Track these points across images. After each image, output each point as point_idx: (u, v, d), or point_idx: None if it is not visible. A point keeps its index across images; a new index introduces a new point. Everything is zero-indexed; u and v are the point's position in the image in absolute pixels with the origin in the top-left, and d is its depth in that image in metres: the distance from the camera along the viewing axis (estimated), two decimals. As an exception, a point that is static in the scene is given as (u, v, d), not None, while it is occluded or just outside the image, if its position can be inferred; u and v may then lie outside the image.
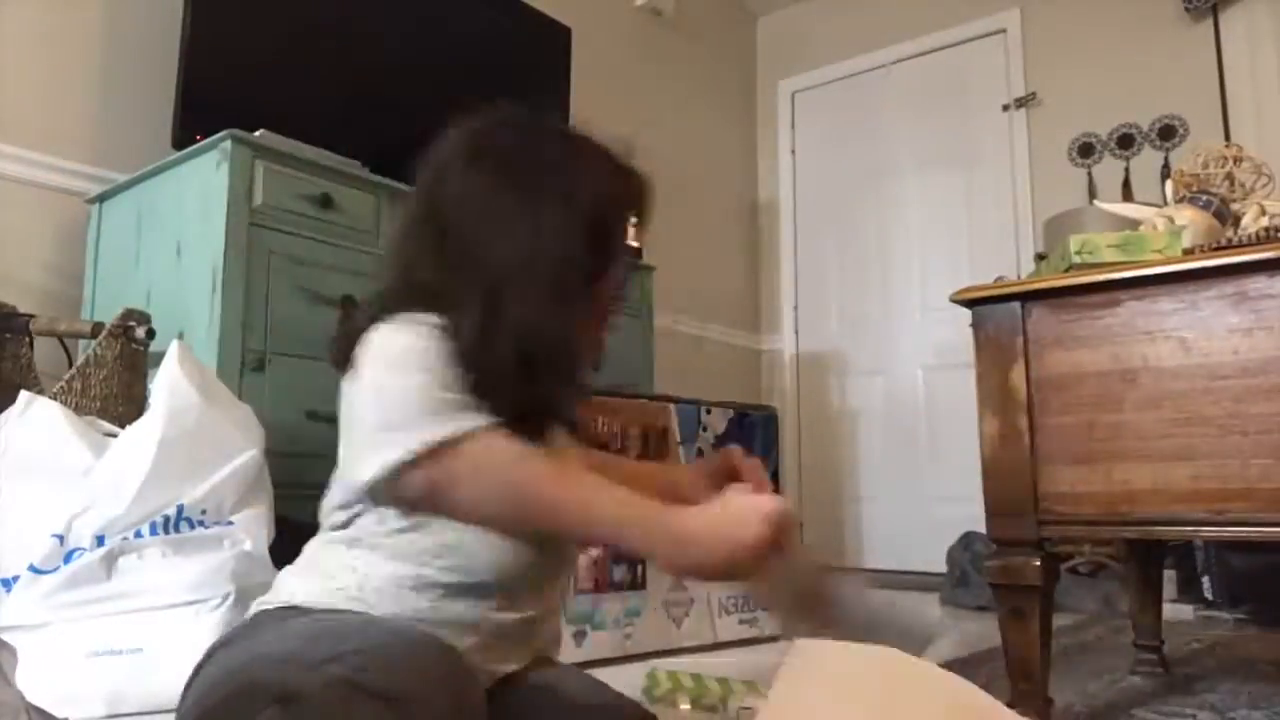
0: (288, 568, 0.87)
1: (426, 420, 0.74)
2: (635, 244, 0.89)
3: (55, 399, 1.57)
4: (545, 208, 0.83)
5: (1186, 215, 1.51)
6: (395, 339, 0.79)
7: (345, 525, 0.82)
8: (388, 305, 0.82)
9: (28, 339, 1.81)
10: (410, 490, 0.76)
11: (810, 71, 4.53)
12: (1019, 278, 1.64)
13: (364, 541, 0.80)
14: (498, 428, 0.76)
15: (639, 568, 2.09)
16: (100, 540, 1.36)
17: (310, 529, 0.87)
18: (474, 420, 0.75)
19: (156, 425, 1.42)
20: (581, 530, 0.78)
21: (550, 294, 0.81)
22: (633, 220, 0.90)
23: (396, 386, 0.76)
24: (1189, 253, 1.39)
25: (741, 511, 0.73)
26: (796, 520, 0.90)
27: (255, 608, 0.84)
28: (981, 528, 1.51)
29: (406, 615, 0.77)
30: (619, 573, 2.04)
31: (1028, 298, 1.46)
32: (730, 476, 0.92)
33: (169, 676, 1.28)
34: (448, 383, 0.77)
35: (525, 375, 0.79)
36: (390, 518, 0.80)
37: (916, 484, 3.95)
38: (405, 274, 0.87)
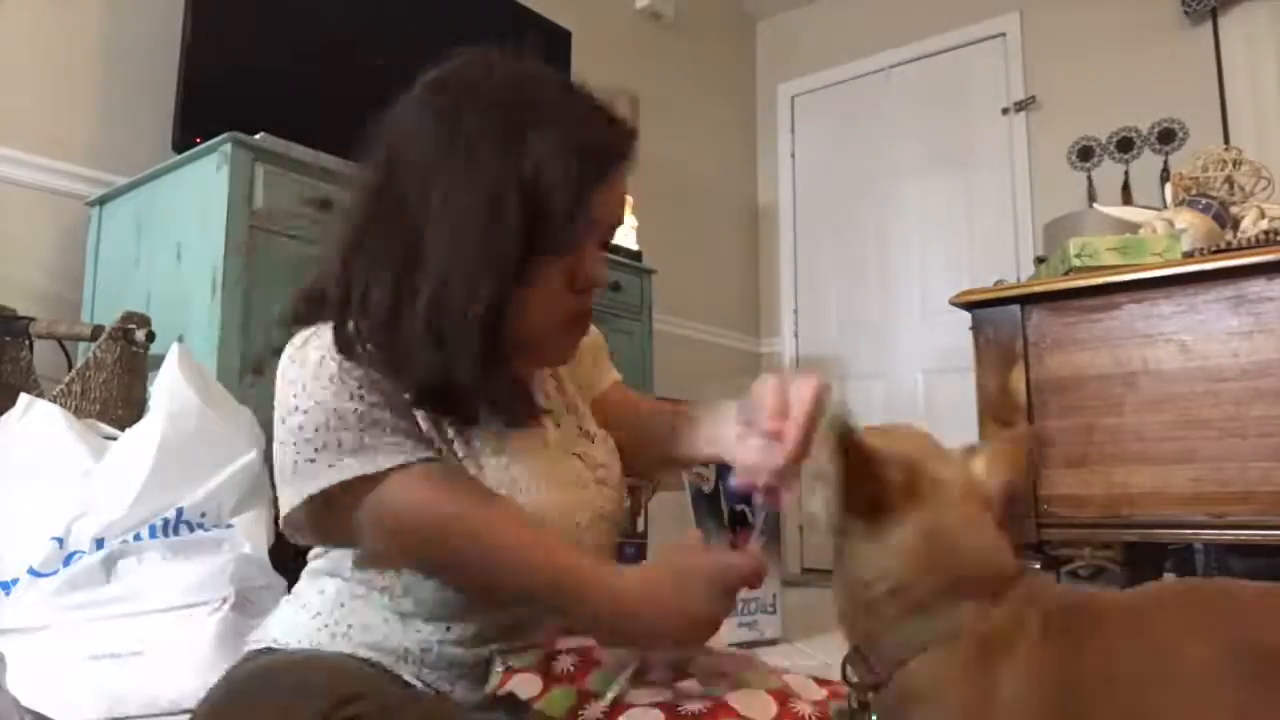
0: (285, 596, 0.86)
1: (300, 474, 0.71)
2: (620, 227, 0.82)
3: (55, 402, 1.57)
4: (480, 173, 0.72)
5: (1186, 218, 1.51)
6: (285, 375, 0.75)
7: (322, 554, 0.82)
8: (300, 312, 0.79)
9: (27, 342, 1.81)
10: (307, 539, 0.76)
11: (810, 75, 4.54)
12: (1019, 281, 1.64)
13: (334, 570, 0.80)
14: (397, 464, 0.70)
15: (639, 571, 2.08)
16: (100, 543, 1.36)
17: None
18: (353, 466, 0.70)
19: (156, 428, 1.42)
20: (497, 589, 0.71)
21: (473, 266, 0.71)
22: (599, 194, 0.75)
23: (280, 434, 0.74)
24: (1188, 256, 1.39)
25: (696, 580, 0.65)
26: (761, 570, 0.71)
27: (245, 646, 0.83)
28: (981, 531, 1.51)
29: (370, 644, 0.76)
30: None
31: (1027, 301, 1.46)
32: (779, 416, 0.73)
33: (169, 679, 1.28)
34: (328, 417, 0.70)
35: (438, 351, 0.71)
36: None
37: (916, 487, 3.94)
38: (335, 261, 0.79)
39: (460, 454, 0.76)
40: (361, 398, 0.71)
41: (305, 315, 0.78)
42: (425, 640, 0.75)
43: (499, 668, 0.72)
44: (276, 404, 0.74)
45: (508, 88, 0.76)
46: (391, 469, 0.70)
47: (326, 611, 0.78)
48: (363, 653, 0.76)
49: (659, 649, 0.69)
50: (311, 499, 0.71)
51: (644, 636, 0.67)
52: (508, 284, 0.72)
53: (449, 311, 0.71)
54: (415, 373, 0.71)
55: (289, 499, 0.73)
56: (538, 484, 0.78)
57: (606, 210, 0.77)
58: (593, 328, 0.99)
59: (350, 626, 0.77)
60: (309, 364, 0.73)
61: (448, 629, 0.76)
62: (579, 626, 0.71)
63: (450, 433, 0.76)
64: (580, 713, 0.66)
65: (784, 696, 0.68)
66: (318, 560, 0.82)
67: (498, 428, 0.78)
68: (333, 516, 0.73)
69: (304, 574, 0.84)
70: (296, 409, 0.72)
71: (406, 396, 0.72)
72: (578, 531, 0.81)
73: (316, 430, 0.71)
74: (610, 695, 0.67)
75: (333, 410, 0.71)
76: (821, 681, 0.73)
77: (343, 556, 0.79)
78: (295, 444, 0.71)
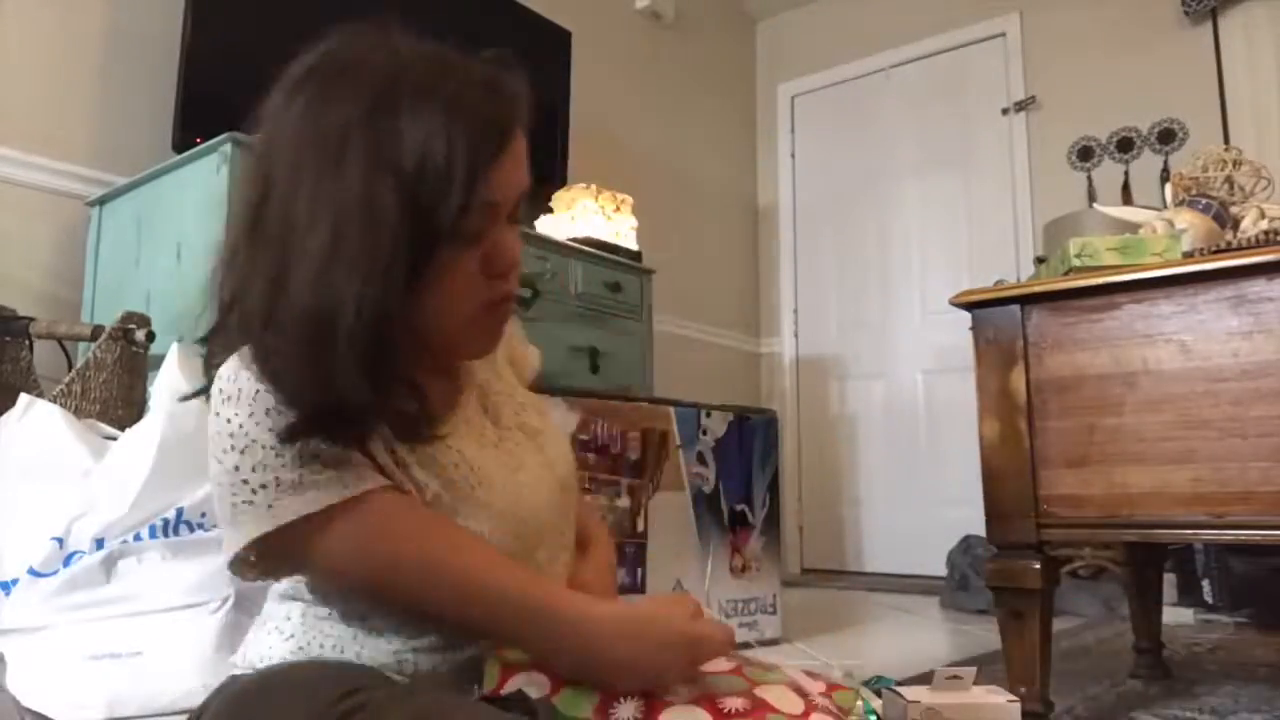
0: (257, 618, 0.83)
1: (240, 516, 0.68)
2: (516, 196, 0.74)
3: (55, 402, 1.57)
4: (350, 171, 0.66)
5: (1186, 218, 1.51)
6: (220, 411, 0.69)
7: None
8: (214, 340, 0.73)
9: (27, 342, 1.81)
10: (257, 578, 0.74)
11: (810, 75, 4.54)
12: (1019, 281, 1.64)
13: (298, 594, 0.78)
14: (337, 500, 0.67)
15: (639, 572, 2.08)
16: (100, 543, 1.36)
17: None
18: (293, 506, 0.67)
19: (156, 428, 1.42)
20: (465, 616, 0.69)
21: (350, 274, 0.65)
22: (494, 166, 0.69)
23: (217, 476, 0.69)
24: (1188, 256, 1.39)
25: (672, 639, 0.67)
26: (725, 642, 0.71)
27: (228, 669, 0.81)
28: (981, 531, 1.51)
29: (342, 660, 0.74)
30: (618, 576, 2.04)
31: (1027, 301, 1.46)
32: None
33: (169, 680, 1.28)
34: (264, 455, 0.67)
35: (316, 371, 0.65)
36: None
37: (916, 487, 3.95)
38: (226, 282, 0.73)
39: (409, 460, 0.73)
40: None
41: (212, 339, 0.74)
42: (400, 653, 0.74)
43: (494, 667, 0.70)
44: (210, 442, 0.70)
45: (378, 71, 0.70)
46: (334, 505, 0.68)
47: (299, 634, 0.76)
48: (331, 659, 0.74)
49: (613, 685, 0.68)
50: (253, 543, 0.69)
51: (605, 673, 0.67)
52: (393, 288, 0.66)
53: (327, 326, 0.65)
54: (298, 398, 0.66)
55: (232, 543, 0.70)
56: (496, 470, 0.77)
57: (505, 187, 0.72)
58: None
59: (323, 647, 0.75)
60: (243, 397, 0.68)
61: (420, 637, 0.74)
62: (543, 654, 0.69)
63: (395, 445, 0.73)
64: (611, 710, 0.66)
65: (800, 689, 0.68)
66: (279, 584, 0.79)
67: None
68: (279, 555, 0.71)
69: (269, 596, 0.81)
70: (232, 448, 0.68)
71: (292, 423, 0.66)
72: (548, 509, 0.80)
73: (254, 470, 0.67)
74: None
75: (269, 448, 0.67)
76: (811, 675, 0.74)
77: (302, 580, 0.77)
78: (233, 485, 0.68)
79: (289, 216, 0.68)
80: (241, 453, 0.68)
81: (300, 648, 0.75)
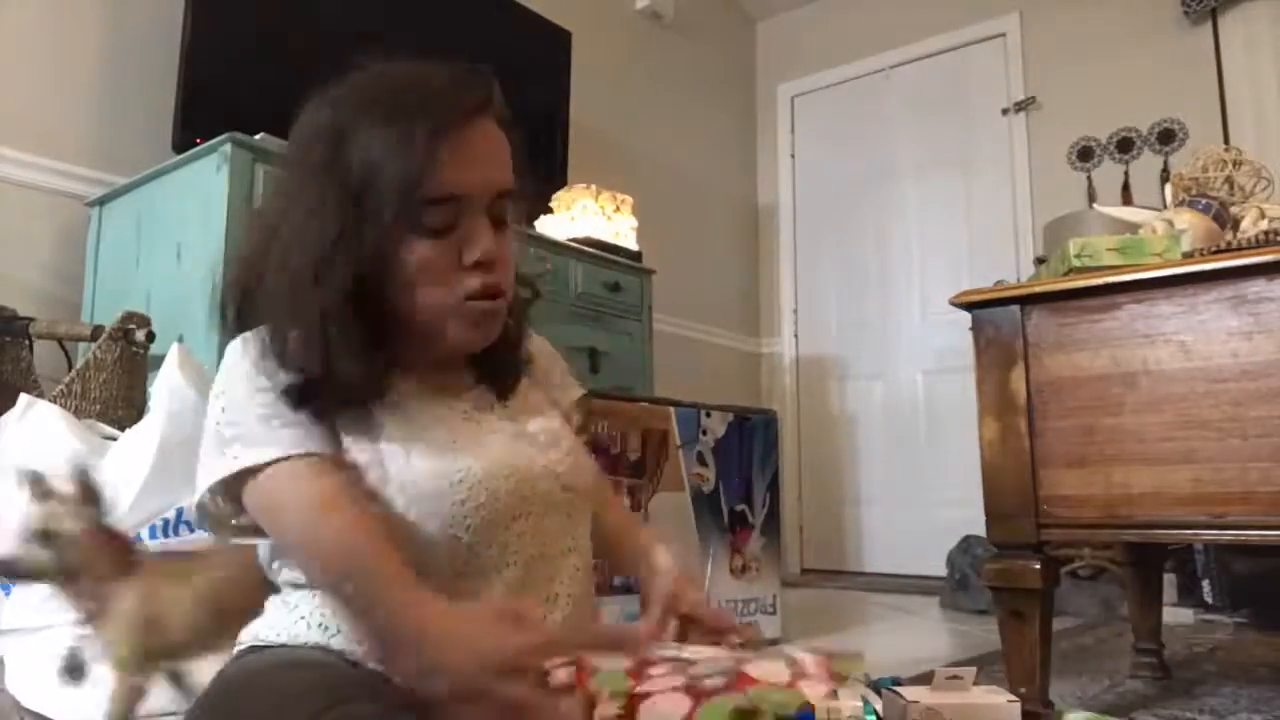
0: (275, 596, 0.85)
1: (211, 458, 0.75)
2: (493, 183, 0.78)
3: (55, 402, 1.57)
4: (309, 169, 0.78)
5: (1186, 219, 1.51)
6: (222, 365, 0.79)
7: None
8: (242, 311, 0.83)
9: (27, 342, 1.81)
10: (214, 529, 0.80)
11: (810, 75, 4.54)
12: (1019, 281, 1.64)
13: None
14: (276, 456, 0.73)
15: (639, 571, 2.08)
16: (100, 543, 1.35)
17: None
18: (244, 457, 0.73)
19: (156, 428, 1.42)
20: (321, 580, 0.74)
21: (308, 261, 0.74)
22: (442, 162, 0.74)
23: (205, 424, 0.78)
24: (1188, 256, 1.39)
25: (489, 636, 0.63)
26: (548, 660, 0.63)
27: (236, 644, 0.83)
28: (981, 531, 1.51)
29: (347, 633, 0.75)
30: (618, 576, 2.04)
31: (1027, 301, 1.46)
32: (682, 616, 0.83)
33: (168, 680, 1.28)
34: (243, 407, 0.75)
35: (304, 349, 0.74)
36: None
37: (916, 487, 3.95)
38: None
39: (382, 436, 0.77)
40: (266, 390, 0.75)
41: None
42: None
43: None
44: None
45: (346, 91, 0.80)
46: (271, 461, 0.73)
47: (304, 604, 0.78)
48: (337, 644, 0.75)
49: (428, 683, 0.65)
50: (212, 489, 0.75)
51: (426, 660, 0.65)
52: (338, 276, 0.73)
53: (299, 309, 0.74)
54: (288, 371, 0.75)
55: (197, 489, 0.76)
56: (472, 445, 0.79)
57: (454, 183, 0.75)
58: (548, 345, 1.02)
59: (324, 616, 0.77)
60: (230, 360, 0.78)
61: None
62: (371, 631, 0.71)
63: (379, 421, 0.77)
64: (595, 712, 0.65)
65: (790, 660, 0.68)
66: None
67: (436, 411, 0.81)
68: (229, 507, 0.77)
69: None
70: (214, 405, 0.77)
71: (285, 394, 0.75)
72: (523, 481, 0.80)
73: (218, 425, 0.76)
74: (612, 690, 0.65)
75: (237, 403, 0.75)
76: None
77: None
78: (208, 437, 0.76)
79: (269, 215, 0.80)
80: (223, 410, 0.76)
81: (302, 618, 0.78)
